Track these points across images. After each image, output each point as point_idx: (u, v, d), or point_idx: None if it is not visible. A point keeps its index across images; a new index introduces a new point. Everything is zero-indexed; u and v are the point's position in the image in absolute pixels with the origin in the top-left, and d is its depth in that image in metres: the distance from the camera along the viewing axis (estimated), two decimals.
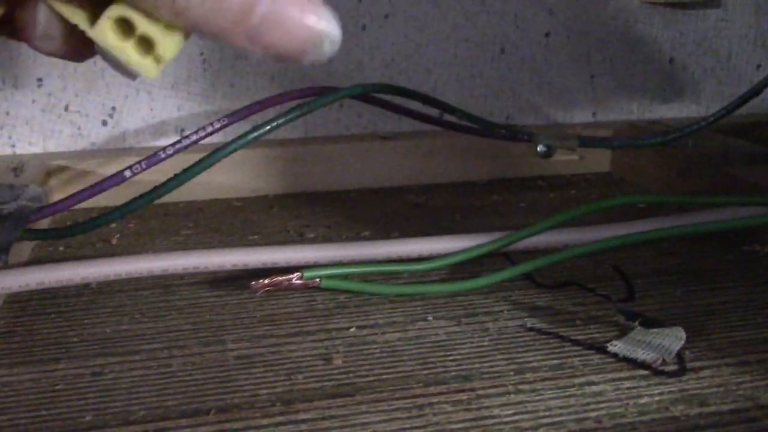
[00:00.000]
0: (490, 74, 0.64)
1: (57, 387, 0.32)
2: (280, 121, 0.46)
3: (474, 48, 0.63)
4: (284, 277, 0.39)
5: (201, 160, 0.44)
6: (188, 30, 0.23)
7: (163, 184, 0.43)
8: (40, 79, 0.56)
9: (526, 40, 0.64)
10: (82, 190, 0.43)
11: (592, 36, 0.65)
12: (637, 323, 0.35)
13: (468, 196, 0.57)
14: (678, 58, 0.67)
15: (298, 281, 0.39)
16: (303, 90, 0.50)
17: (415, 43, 0.62)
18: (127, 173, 0.43)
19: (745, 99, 0.54)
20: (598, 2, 0.64)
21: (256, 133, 0.45)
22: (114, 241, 0.47)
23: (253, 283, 0.38)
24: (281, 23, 0.22)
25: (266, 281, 0.38)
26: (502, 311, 0.38)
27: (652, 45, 0.66)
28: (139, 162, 0.43)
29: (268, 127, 0.46)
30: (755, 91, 0.54)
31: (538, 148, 0.60)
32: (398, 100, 0.54)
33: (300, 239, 0.48)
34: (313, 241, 0.48)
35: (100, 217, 0.43)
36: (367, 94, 0.51)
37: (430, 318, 0.37)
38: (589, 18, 0.64)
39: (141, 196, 0.43)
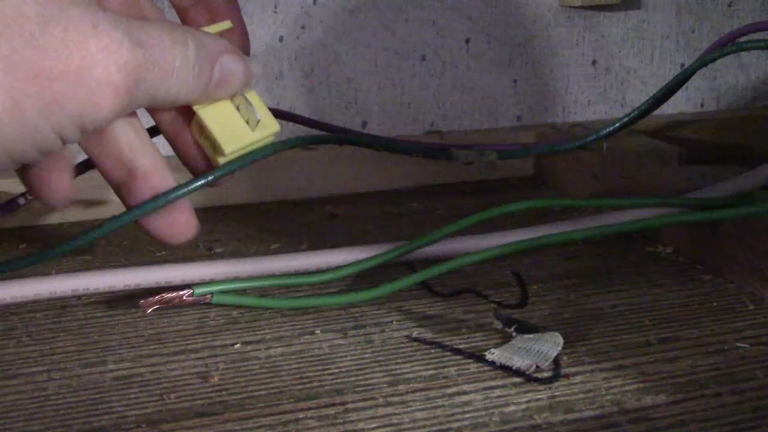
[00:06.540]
0: (411, 82, 0.64)
1: None
2: None
3: (394, 56, 0.63)
4: (174, 294, 0.38)
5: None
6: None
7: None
8: None
9: (447, 46, 0.64)
10: None
11: (513, 41, 0.65)
12: (512, 330, 0.35)
13: (389, 204, 0.57)
14: (601, 60, 0.67)
15: (189, 298, 0.39)
16: None
17: (334, 53, 0.62)
18: (21, 201, 0.43)
19: (657, 99, 0.55)
20: (518, 7, 0.64)
21: None
22: None
23: (142, 301, 0.38)
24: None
25: (155, 299, 0.38)
26: (391, 322, 0.38)
27: (574, 47, 0.66)
28: None
29: None
30: (668, 91, 0.54)
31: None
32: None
33: (209, 254, 0.48)
34: (222, 255, 0.48)
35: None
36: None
37: (318, 331, 0.37)
38: (509, 23, 0.65)
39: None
